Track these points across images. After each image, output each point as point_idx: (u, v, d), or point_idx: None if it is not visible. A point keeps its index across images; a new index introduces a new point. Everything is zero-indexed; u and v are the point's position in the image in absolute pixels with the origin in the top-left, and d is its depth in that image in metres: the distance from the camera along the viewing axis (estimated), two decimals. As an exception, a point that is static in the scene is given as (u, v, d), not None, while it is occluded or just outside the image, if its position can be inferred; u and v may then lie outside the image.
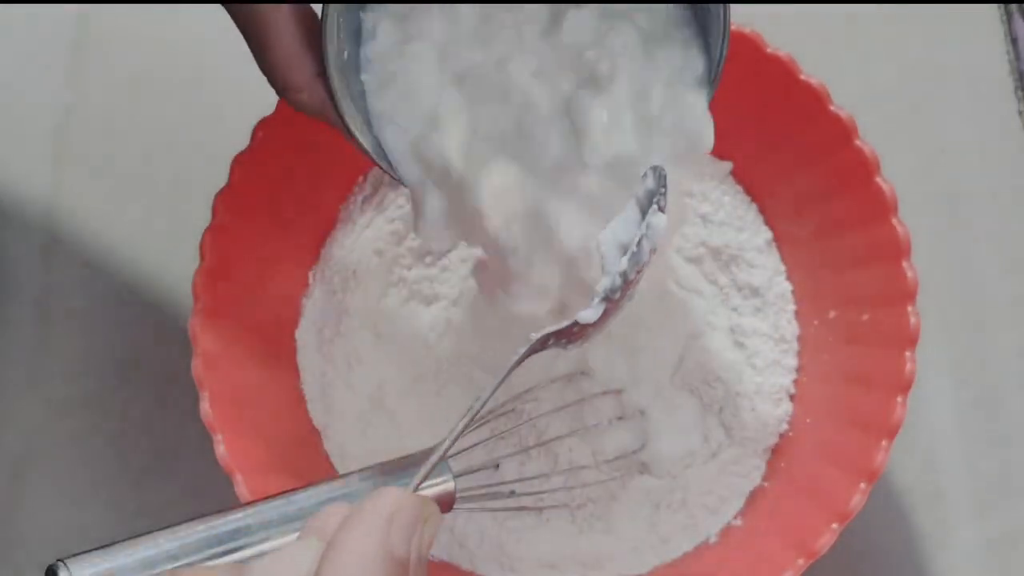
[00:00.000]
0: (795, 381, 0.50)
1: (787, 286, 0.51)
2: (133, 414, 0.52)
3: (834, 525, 0.43)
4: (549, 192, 0.41)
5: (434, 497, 0.41)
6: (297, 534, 0.39)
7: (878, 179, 0.47)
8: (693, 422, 0.49)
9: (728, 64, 0.49)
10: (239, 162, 0.47)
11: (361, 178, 0.53)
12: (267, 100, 0.49)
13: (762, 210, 0.52)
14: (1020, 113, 0.58)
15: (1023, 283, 0.55)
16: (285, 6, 0.38)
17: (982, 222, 0.56)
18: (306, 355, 0.50)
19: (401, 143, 0.41)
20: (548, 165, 0.41)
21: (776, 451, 0.49)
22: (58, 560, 0.35)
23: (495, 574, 0.47)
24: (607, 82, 0.40)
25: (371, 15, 0.41)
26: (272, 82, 0.39)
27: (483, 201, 0.40)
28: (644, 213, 0.40)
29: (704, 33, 0.41)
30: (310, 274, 0.51)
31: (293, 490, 0.40)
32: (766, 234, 0.52)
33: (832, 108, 0.48)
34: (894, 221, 0.46)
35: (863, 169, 0.47)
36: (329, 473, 0.48)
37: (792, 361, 0.50)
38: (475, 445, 0.46)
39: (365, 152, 0.41)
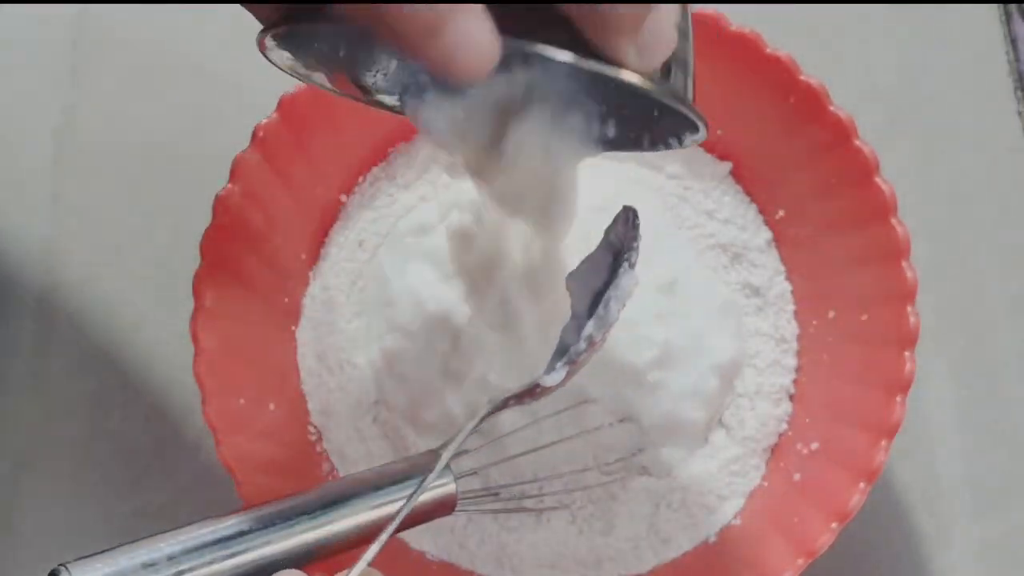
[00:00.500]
0: (795, 381, 0.50)
1: (787, 286, 0.51)
2: (133, 414, 0.52)
3: (833, 525, 0.43)
4: None
5: (436, 500, 0.42)
6: (299, 537, 0.39)
7: (877, 179, 0.47)
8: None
9: (728, 64, 0.50)
10: (239, 162, 0.47)
11: (361, 178, 0.53)
12: (267, 100, 0.49)
13: (762, 210, 0.52)
14: (1020, 113, 0.58)
15: (1023, 283, 0.55)
16: None
17: (982, 222, 0.56)
18: (306, 355, 0.50)
19: None
20: None
21: (776, 451, 0.49)
22: (60, 565, 0.35)
23: (495, 574, 0.47)
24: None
25: None
26: None
27: None
28: (615, 258, 0.40)
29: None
30: (310, 274, 0.51)
31: (295, 493, 0.40)
32: (766, 234, 0.52)
33: (832, 108, 0.48)
34: (893, 221, 0.46)
35: (862, 169, 0.47)
36: (330, 474, 0.48)
37: (792, 361, 0.50)
38: (476, 448, 0.46)
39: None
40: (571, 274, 0.41)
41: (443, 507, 0.42)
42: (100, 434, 0.51)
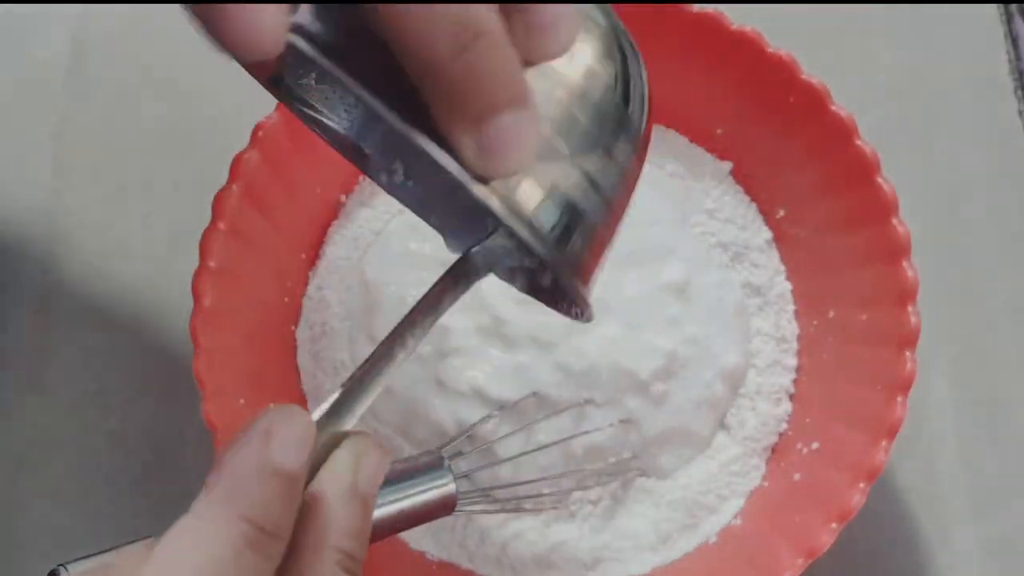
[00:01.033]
0: (795, 381, 0.50)
1: (787, 286, 0.51)
2: (133, 414, 0.52)
3: (834, 525, 0.43)
4: None
5: (435, 500, 0.42)
6: None
7: (878, 179, 0.47)
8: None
9: (729, 63, 0.50)
10: (239, 162, 0.47)
11: (361, 177, 0.53)
12: (267, 100, 0.49)
13: (762, 210, 0.52)
14: (1020, 113, 0.58)
15: (1023, 283, 0.55)
16: None
17: (982, 222, 0.56)
18: (305, 355, 0.50)
19: None
20: None
21: (776, 451, 0.49)
22: (60, 565, 0.35)
23: (495, 574, 0.47)
24: None
25: None
26: None
27: None
28: None
29: None
30: (310, 274, 0.51)
31: None
32: (766, 234, 0.52)
33: (833, 108, 0.48)
34: (894, 221, 0.46)
35: (863, 169, 0.47)
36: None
37: (792, 361, 0.50)
38: (476, 450, 0.46)
39: None
40: None
41: (443, 507, 0.42)
42: (100, 434, 0.51)
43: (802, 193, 0.50)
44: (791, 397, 0.50)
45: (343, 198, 0.52)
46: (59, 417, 0.52)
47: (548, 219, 0.28)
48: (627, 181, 0.30)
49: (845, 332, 0.48)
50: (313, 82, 0.36)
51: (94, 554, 0.36)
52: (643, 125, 0.30)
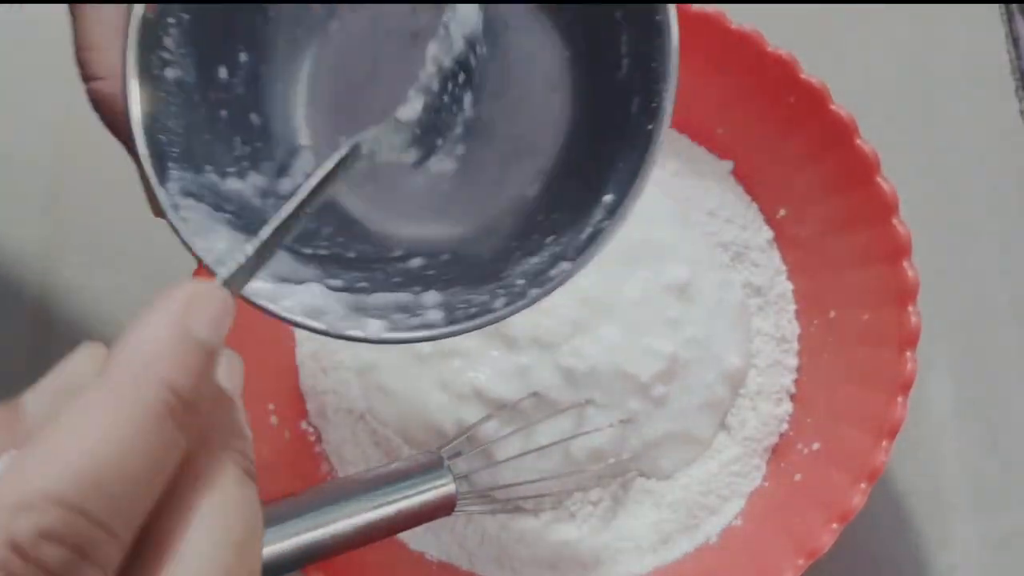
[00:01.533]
0: (796, 381, 0.50)
1: (788, 286, 0.51)
2: (133, 414, 0.52)
3: (834, 525, 0.43)
4: None
5: (435, 500, 0.41)
6: (299, 537, 0.39)
7: (879, 179, 0.47)
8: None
9: (729, 63, 0.50)
10: (239, 162, 0.47)
11: (361, 178, 0.53)
12: (267, 100, 0.49)
13: (763, 209, 0.52)
14: (1021, 113, 0.57)
15: (1023, 283, 0.55)
16: None
17: (983, 222, 0.56)
18: (303, 354, 0.50)
19: None
20: None
21: (776, 451, 0.49)
22: None
23: (495, 574, 0.47)
24: None
25: None
26: (79, 65, 0.34)
27: None
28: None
29: None
30: (310, 274, 0.51)
31: (294, 494, 0.40)
32: (767, 234, 0.52)
33: (833, 107, 0.48)
34: (895, 221, 0.46)
35: (864, 169, 0.47)
36: (329, 473, 0.48)
37: (793, 361, 0.50)
38: (476, 450, 0.46)
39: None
40: None
41: (442, 508, 0.42)
42: (100, 434, 0.51)
43: (803, 193, 0.50)
44: (792, 397, 0.50)
45: (343, 198, 0.52)
46: (59, 417, 0.52)
47: None
48: None
49: (846, 332, 0.48)
50: None
51: None
52: None
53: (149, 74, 0.33)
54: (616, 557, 0.47)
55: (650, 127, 0.31)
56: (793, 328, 0.50)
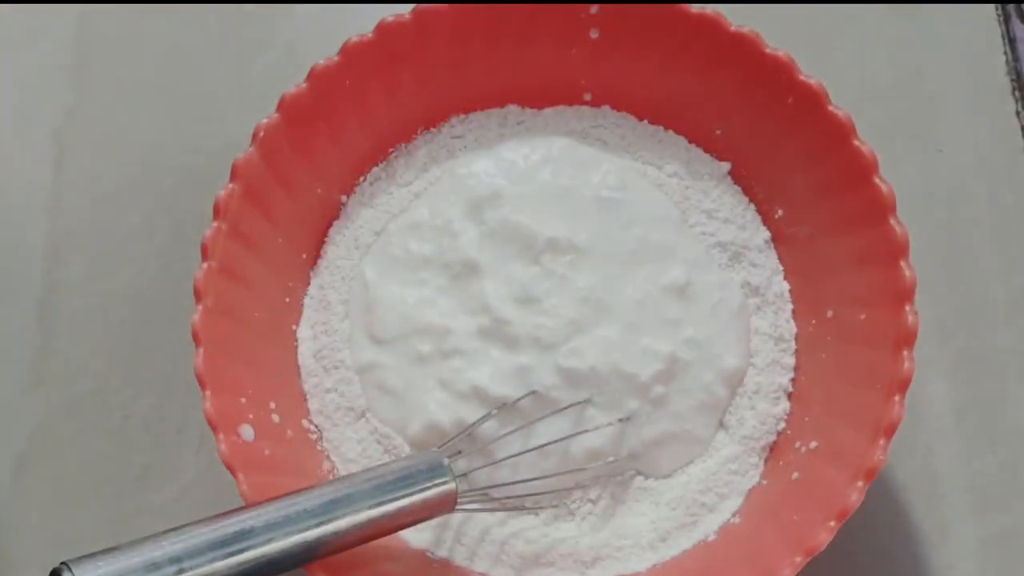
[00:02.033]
0: (793, 380, 0.50)
1: (785, 285, 0.51)
2: (133, 414, 0.52)
3: (832, 523, 0.43)
4: None
5: (436, 498, 0.42)
6: (300, 535, 0.39)
7: (876, 179, 0.47)
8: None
9: (727, 64, 0.50)
10: (239, 162, 0.47)
11: (361, 178, 0.53)
12: (267, 100, 0.49)
13: (760, 210, 0.52)
14: (1018, 113, 0.58)
15: (1021, 282, 0.55)
16: None
17: (980, 222, 0.56)
18: (304, 353, 0.50)
19: None
20: None
21: (774, 449, 0.49)
22: (62, 563, 0.35)
23: (495, 572, 0.47)
24: None
25: None
26: None
27: None
28: None
29: None
30: (311, 273, 0.52)
31: (296, 492, 0.40)
32: (764, 234, 0.52)
33: (830, 108, 0.48)
34: (892, 221, 0.46)
35: (861, 169, 0.47)
36: (331, 471, 0.48)
37: (790, 360, 0.50)
38: (476, 449, 0.46)
39: None
40: None
41: (443, 505, 0.42)
42: (100, 434, 0.51)
43: (800, 193, 0.50)
44: (789, 396, 0.50)
45: (343, 198, 0.52)
46: (59, 417, 0.52)
47: None
48: None
49: (843, 331, 0.48)
50: None
51: (96, 552, 0.36)
52: None
53: None
54: (615, 555, 0.47)
55: None
56: (791, 327, 0.51)
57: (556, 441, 0.47)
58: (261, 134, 0.48)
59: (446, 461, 0.43)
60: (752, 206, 0.52)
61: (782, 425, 0.49)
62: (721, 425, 0.50)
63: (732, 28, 0.49)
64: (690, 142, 0.53)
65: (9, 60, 0.58)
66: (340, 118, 0.50)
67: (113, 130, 0.57)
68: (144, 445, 0.51)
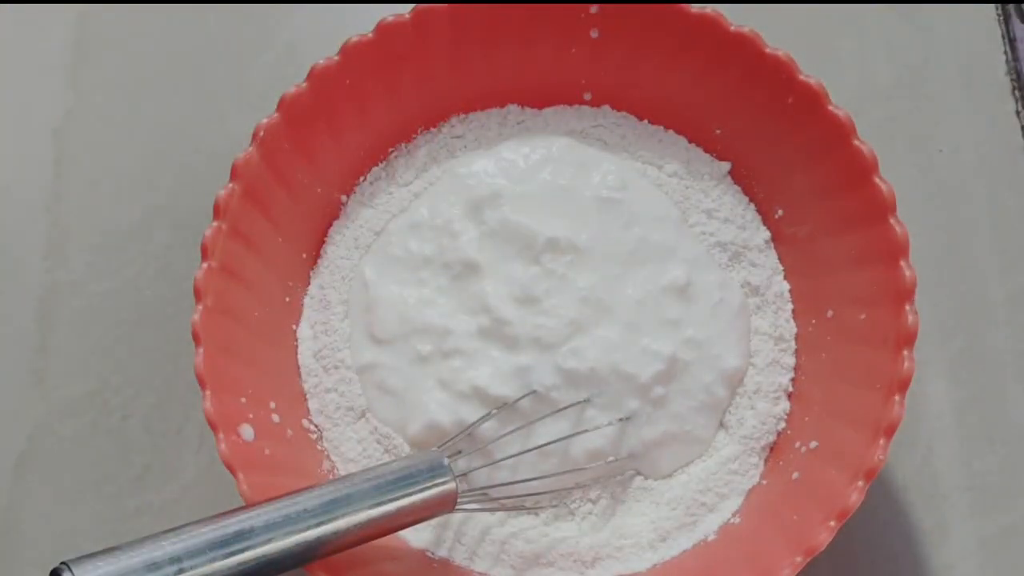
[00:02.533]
0: (793, 380, 0.50)
1: (785, 285, 0.51)
2: (133, 414, 0.52)
3: (832, 522, 0.43)
4: None
5: (436, 497, 0.42)
6: (301, 535, 0.39)
7: (876, 178, 0.47)
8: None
9: (727, 64, 0.50)
10: (239, 162, 0.47)
11: (361, 178, 0.53)
12: (267, 100, 0.49)
13: (760, 210, 0.52)
14: (1018, 113, 0.58)
15: (1020, 282, 0.55)
16: None
17: (980, 221, 0.56)
18: (304, 353, 0.50)
19: None
20: None
21: (774, 449, 0.49)
22: (62, 563, 0.35)
23: (495, 572, 0.47)
24: None
25: None
26: None
27: None
28: None
29: None
30: (311, 273, 0.52)
31: (297, 491, 0.40)
32: (764, 234, 0.52)
33: (830, 107, 0.48)
34: (892, 220, 0.46)
35: (861, 168, 0.47)
36: (331, 471, 0.48)
37: (790, 360, 0.50)
38: (476, 449, 0.46)
39: None
40: None
41: (443, 505, 0.42)
42: (100, 434, 0.51)
43: (800, 193, 0.50)
44: (789, 396, 0.50)
45: (343, 198, 0.52)
46: (59, 417, 0.52)
47: None
48: None
49: (843, 331, 0.48)
50: None
51: (97, 552, 0.36)
52: None
53: None
54: (615, 555, 0.47)
55: None
56: (791, 327, 0.51)
57: (556, 441, 0.47)
58: (261, 134, 0.48)
59: (446, 461, 0.43)
60: (752, 206, 0.52)
61: (782, 425, 0.49)
62: (721, 425, 0.50)
63: (732, 28, 0.49)
64: (690, 142, 0.53)
65: (9, 60, 0.58)
66: (340, 118, 0.50)
67: (113, 130, 0.57)
68: (144, 445, 0.51)
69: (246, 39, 0.59)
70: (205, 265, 0.46)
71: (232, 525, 0.38)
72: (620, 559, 0.47)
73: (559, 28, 0.52)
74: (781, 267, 0.52)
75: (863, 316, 0.47)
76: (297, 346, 0.50)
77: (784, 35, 0.50)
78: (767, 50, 0.49)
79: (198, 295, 0.45)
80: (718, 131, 0.52)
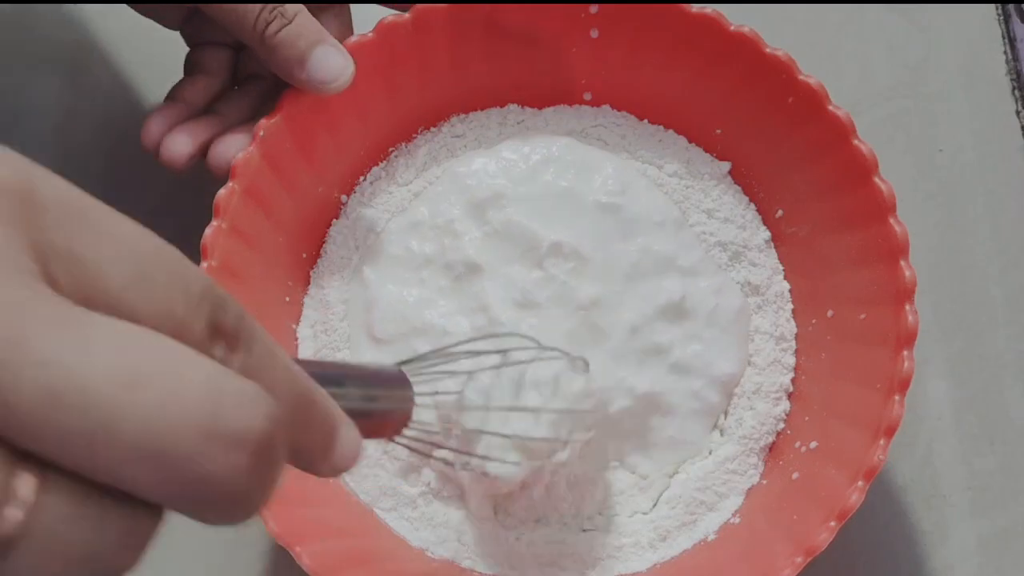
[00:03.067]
0: (793, 380, 0.50)
1: (785, 285, 0.51)
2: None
3: (832, 523, 0.43)
4: None
5: (392, 409, 0.36)
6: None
7: (876, 178, 0.47)
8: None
9: (727, 64, 0.50)
10: (239, 162, 0.47)
11: (361, 177, 0.53)
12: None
13: (760, 209, 0.52)
14: (1018, 113, 0.58)
15: (1020, 282, 0.55)
16: None
17: (979, 221, 0.56)
18: (307, 353, 0.50)
19: None
20: None
21: (774, 449, 0.49)
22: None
23: (495, 571, 0.47)
24: None
25: None
26: None
27: None
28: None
29: None
30: (311, 273, 0.52)
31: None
32: (764, 233, 0.52)
33: (830, 108, 0.48)
34: (892, 220, 0.46)
35: (861, 168, 0.47)
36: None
37: (791, 360, 0.50)
38: (435, 393, 0.41)
39: None
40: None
41: (396, 420, 0.36)
42: (100, 433, 0.51)
43: (800, 193, 0.50)
44: (789, 396, 0.50)
45: (343, 198, 0.52)
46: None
47: None
48: None
49: (843, 331, 0.48)
50: None
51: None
52: None
53: None
54: (615, 555, 0.48)
55: None
56: (791, 327, 0.51)
57: (521, 408, 0.43)
58: (261, 133, 0.48)
59: (408, 377, 0.37)
60: (752, 206, 0.53)
61: (782, 425, 0.49)
62: (720, 425, 0.50)
63: (732, 28, 0.49)
64: (690, 142, 0.53)
65: (10, 60, 0.59)
66: (340, 118, 0.50)
67: (113, 130, 0.57)
68: (144, 445, 0.51)
69: (246, 39, 0.59)
70: (205, 264, 0.46)
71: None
72: (620, 559, 0.48)
73: (559, 28, 0.52)
74: (781, 267, 0.52)
75: (863, 316, 0.47)
76: (297, 346, 0.50)
77: (784, 35, 0.50)
78: (767, 50, 0.49)
79: (198, 295, 0.45)
80: (718, 131, 0.52)
